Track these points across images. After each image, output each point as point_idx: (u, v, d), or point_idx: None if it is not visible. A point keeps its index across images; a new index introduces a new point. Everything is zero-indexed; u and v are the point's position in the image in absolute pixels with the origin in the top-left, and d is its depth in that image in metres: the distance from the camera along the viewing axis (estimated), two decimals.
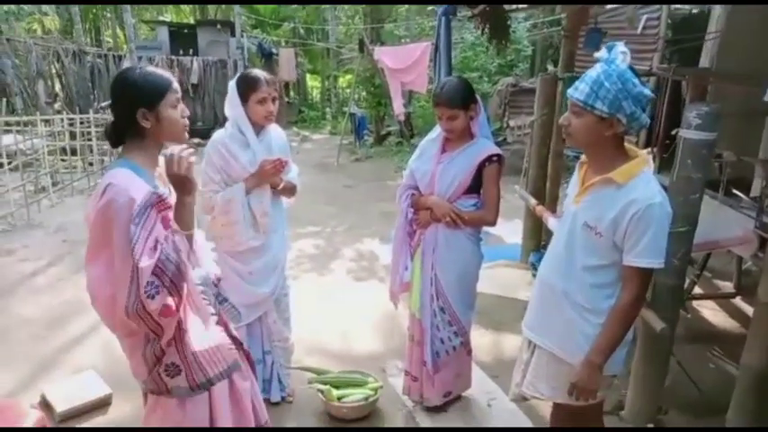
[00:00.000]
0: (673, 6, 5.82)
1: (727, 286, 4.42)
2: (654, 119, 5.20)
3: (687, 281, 3.92)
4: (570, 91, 1.72)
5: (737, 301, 4.14)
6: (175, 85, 1.71)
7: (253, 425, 1.94)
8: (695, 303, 4.14)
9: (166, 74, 1.72)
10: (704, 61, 5.11)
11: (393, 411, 2.95)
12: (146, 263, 1.55)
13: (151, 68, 1.74)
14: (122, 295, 1.56)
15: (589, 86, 1.66)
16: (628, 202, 1.67)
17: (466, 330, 2.79)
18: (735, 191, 3.54)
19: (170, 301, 1.60)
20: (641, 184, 1.69)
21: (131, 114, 1.64)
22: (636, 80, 1.64)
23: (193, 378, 1.76)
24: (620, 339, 1.77)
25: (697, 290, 4.16)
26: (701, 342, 3.61)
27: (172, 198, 1.73)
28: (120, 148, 1.75)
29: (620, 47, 1.66)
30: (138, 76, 1.67)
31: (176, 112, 1.70)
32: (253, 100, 2.52)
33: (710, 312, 4.09)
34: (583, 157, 1.90)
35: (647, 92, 1.66)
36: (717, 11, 4.98)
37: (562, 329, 1.87)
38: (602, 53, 1.70)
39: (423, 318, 2.74)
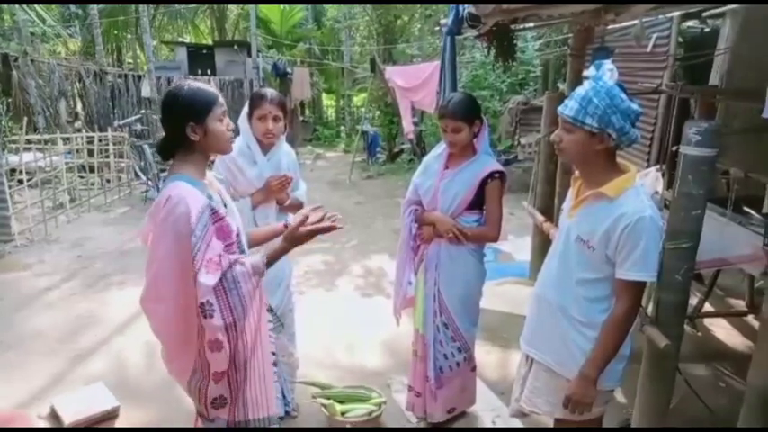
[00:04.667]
0: (684, 24, 5.83)
1: (741, 305, 4.35)
2: (663, 136, 5.19)
3: (696, 299, 3.88)
4: (560, 108, 1.76)
5: (750, 319, 4.07)
6: (221, 99, 1.79)
7: None
8: (707, 322, 4.08)
9: (212, 89, 1.80)
10: (714, 79, 5.09)
11: (396, 427, 2.94)
12: (204, 278, 1.60)
13: (198, 84, 1.80)
14: (182, 300, 1.63)
15: (578, 103, 1.69)
16: (618, 215, 1.69)
17: (469, 346, 2.78)
18: (746, 208, 3.50)
19: (221, 335, 1.64)
20: (631, 198, 1.71)
21: (181, 129, 1.71)
22: (624, 96, 1.68)
23: (234, 415, 1.80)
24: (614, 352, 1.77)
25: (708, 308, 4.10)
26: (711, 361, 3.56)
27: (229, 212, 1.80)
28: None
29: (608, 64, 1.70)
30: (186, 93, 1.74)
31: (222, 125, 1.78)
32: (255, 116, 2.58)
33: (723, 331, 4.03)
34: (577, 172, 1.93)
35: (636, 107, 1.69)
36: (727, 28, 4.98)
37: (558, 344, 1.87)
38: (590, 71, 1.73)
39: (426, 333, 2.75)
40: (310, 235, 1.82)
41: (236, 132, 2.72)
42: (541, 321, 1.96)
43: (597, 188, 1.76)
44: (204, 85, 1.81)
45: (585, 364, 1.77)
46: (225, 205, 1.81)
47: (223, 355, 1.67)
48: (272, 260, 1.78)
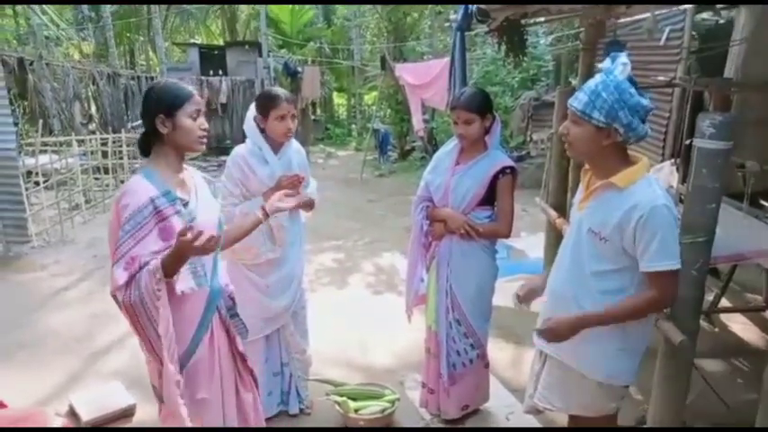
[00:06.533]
0: (698, 17, 5.75)
1: (758, 300, 4.29)
2: (678, 130, 5.12)
3: (713, 294, 3.83)
4: (570, 100, 1.74)
5: None
6: (197, 98, 1.81)
7: None
8: (724, 317, 4.03)
9: (189, 87, 1.82)
10: (729, 71, 5.02)
11: (410, 424, 2.94)
12: (117, 272, 1.65)
13: (175, 81, 1.84)
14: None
15: (587, 96, 1.68)
16: (631, 206, 1.66)
17: (482, 343, 2.78)
18: (763, 202, 3.45)
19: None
20: (643, 187, 1.68)
21: (152, 120, 1.75)
22: (633, 90, 1.65)
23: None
24: (612, 323, 1.78)
25: (725, 303, 4.05)
26: (728, 356, 3.51)
27: (190, 212, 1.78)
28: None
29: (623, 58, 1.67)
30: (161, 86, 1.79)
31: (193, 122, 1.78)
32: (272, 116, 2.57)
33: (740, 326, 3.98)
34: (587, 165, 1.91)
35: (645, 102, 1.67)
36: (742, 19, 4.90)
37: (575, 345, 1.85)
38: (605, 63, 1.71)
39: (439, 330, 2.74)
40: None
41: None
42: (554, 315, 1.94)
43: (607, 179, 1.74)
44: (182, 83, 1.84)
45: (584, 315, 1.78)
46: (186, 204, 1.79)
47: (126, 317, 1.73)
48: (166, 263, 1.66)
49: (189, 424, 1.73)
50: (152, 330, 1.69)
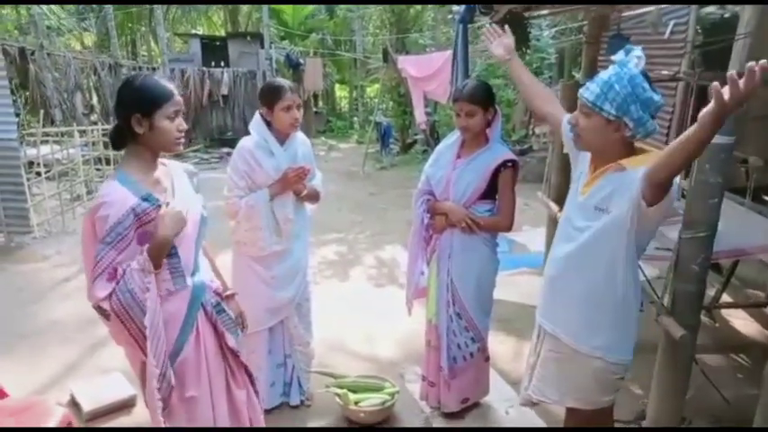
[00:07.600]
0: (703, 11, 5.71)
1: (759, 296, 4.29)
2: (681, 124, 5.10)
3: (714, 289, 3.83)
4: (581, 90, 1.73)
5: None
6: (176, 98, 1.73)
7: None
8: (725, 313, 4.03)
9: (169, 85, 1.75)
10: (734, 65, 4.99)
11: (410, 417, 2.95)
12: (100, 292, 1.61)
13: (156, 78, 1.77)
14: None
15: (599, 87, 1.66)
16: (637, 177, 1.62)
17: (483, 336, 2.78)
18: (765, 197, 3.45)
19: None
20: None
21: (128, 119, 1.68)
22: (646, 85, 1.64)
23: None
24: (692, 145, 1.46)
25: (726, 298, 4.05)
26: (729, 352, 3.52)
27: (174, 204, 1.76)
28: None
29: (637, 51, 1.66)
30: (139, 83, 1.71)
31: (171, 123, 1.72)
32: (278, 108, 2.56)
33: (741, 322, 3.98)
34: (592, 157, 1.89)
35: (657, 98, 1.65)
36: (747, 13, 4.87)
37: (571, 316, 1.85)
38: (619, 55, 1.70)
39: (439, 323, 2.74)
40: None
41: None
42: (555, 293, 1.94)
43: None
44: (164, 80, 1.77)
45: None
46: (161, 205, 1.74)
47: (112, 325, 1.68)
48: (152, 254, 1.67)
49: (161, 419, 1.72)
50: (143, 324, 1.67)
